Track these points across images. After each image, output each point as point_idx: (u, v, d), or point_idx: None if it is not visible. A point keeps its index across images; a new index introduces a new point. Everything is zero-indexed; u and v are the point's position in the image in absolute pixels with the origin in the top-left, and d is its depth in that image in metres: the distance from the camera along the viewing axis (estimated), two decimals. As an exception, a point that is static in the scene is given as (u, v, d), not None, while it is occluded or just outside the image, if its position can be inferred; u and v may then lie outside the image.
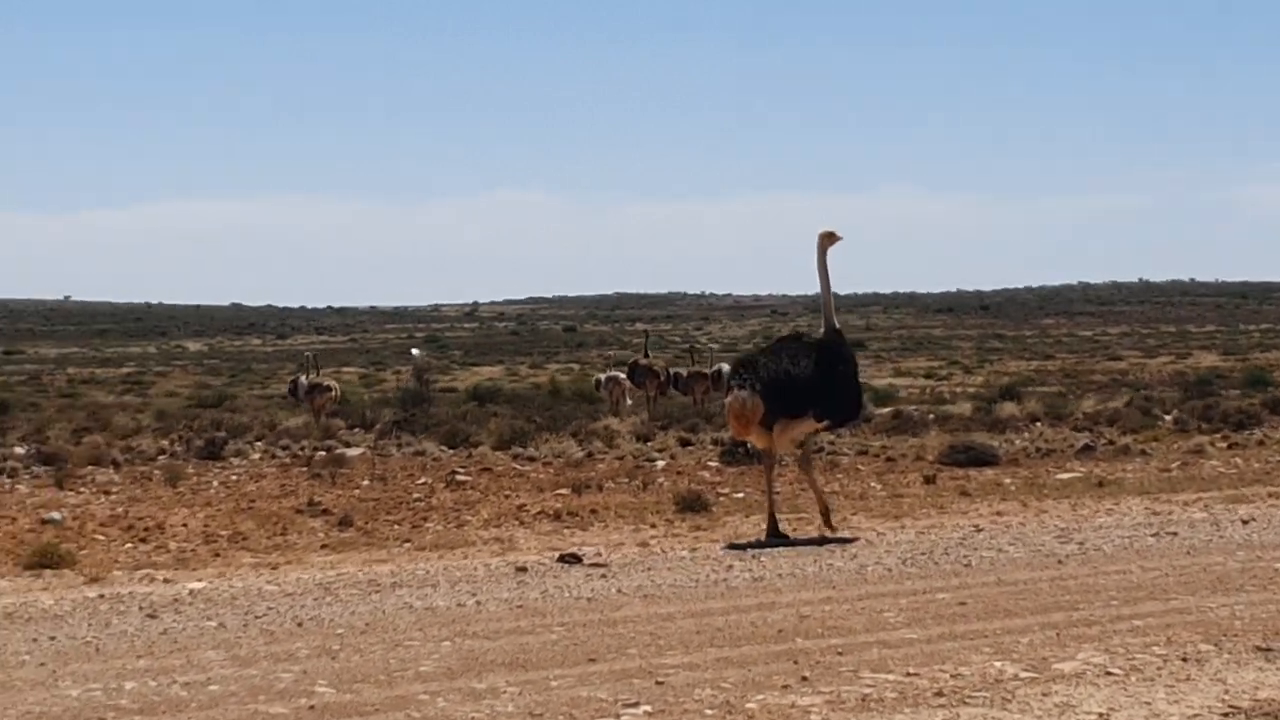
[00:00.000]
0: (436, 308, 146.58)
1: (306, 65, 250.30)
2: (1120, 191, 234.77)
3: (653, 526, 14.95)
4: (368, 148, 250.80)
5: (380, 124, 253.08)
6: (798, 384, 12.68)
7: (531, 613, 9.88)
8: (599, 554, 12.04)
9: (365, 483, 18.38)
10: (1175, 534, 12.89)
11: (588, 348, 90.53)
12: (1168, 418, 25.77)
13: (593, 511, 16.01)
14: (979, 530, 13.60)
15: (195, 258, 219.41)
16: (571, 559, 11.83)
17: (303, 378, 28.18)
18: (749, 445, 17.03)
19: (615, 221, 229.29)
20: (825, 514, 13.42)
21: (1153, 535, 12.84)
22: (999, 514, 15.28)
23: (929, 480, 18.03)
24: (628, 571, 11.46)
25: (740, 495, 17.39)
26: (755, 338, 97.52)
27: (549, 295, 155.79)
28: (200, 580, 11.20)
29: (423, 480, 18.59)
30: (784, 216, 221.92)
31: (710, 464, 20.29)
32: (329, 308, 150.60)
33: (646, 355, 31.85)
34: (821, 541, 13.05)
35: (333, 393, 27.15)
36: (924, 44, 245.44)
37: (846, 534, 13.49)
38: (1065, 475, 18.29)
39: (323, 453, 21.39)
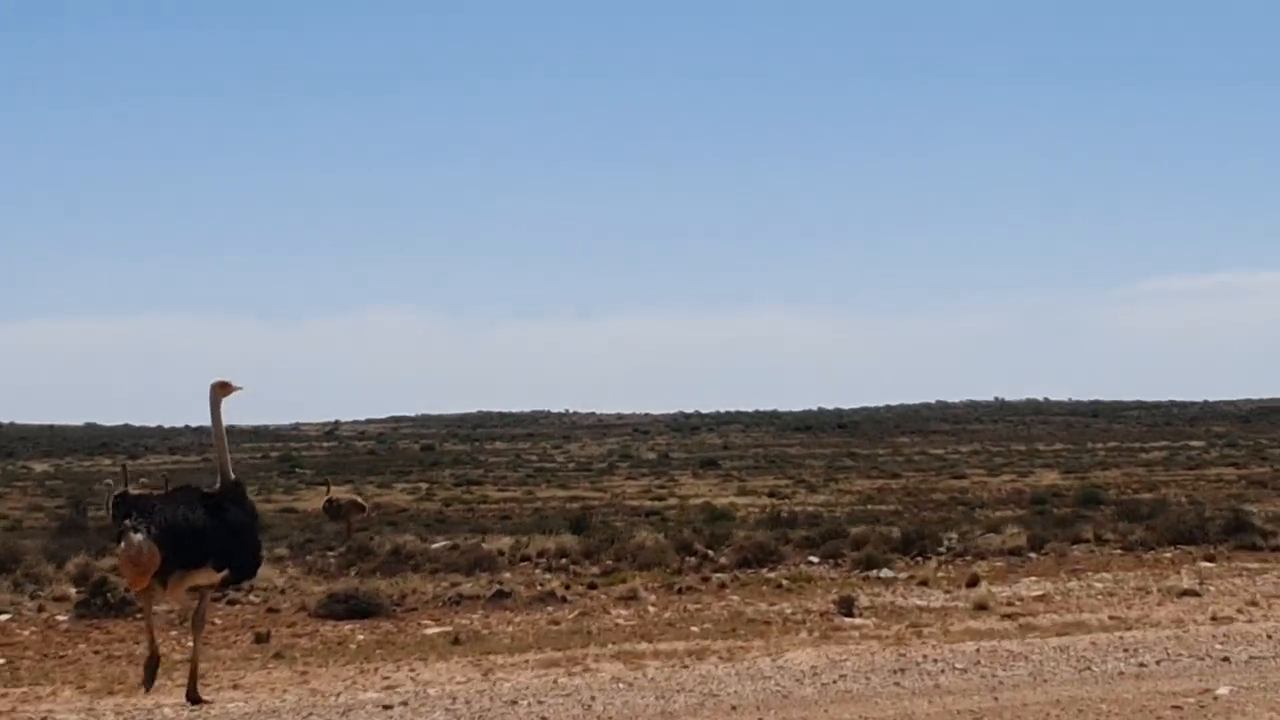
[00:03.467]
0: (297, 426, 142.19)
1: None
2: (981, 312, 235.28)
3: None
4: (232, 265, 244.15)
5: (248, 243, 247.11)
6: (200, 532, 11.51)
7: None
8: None
9: None
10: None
11: (443, 466, 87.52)
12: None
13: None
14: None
15: (50, 376, 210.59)
16: None
17: None
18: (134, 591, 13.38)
19: (483, 339, 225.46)
20: (193, 677, 11.56)
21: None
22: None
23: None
24: None
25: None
26: (613, 455, 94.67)
27: (412, 414, 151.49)
28: None
29: None
30: (650, 336, 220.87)
31: (60, 618, 16.17)
32: (185, 426, 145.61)
33: (126, 485, 27.21)
34: None
35: None
36: (788, 165, 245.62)
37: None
38: (434, 630, 14.32)
39: None
